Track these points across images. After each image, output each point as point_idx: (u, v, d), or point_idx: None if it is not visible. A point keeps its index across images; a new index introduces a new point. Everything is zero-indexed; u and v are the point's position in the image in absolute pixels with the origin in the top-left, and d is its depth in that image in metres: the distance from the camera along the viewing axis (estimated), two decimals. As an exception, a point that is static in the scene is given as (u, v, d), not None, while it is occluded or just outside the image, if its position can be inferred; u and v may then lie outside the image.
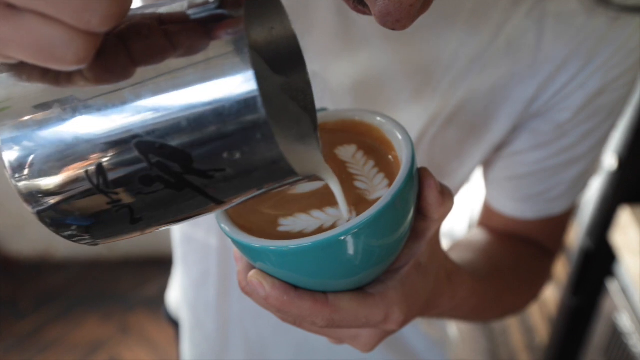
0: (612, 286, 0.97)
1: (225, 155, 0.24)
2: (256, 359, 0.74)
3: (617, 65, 0.48)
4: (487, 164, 0.58)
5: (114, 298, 1.98)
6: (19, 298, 1.98)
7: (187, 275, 0.72)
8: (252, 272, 0.33)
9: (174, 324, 0.88)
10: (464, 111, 0.51)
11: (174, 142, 0.24)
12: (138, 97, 0.24)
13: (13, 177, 0.25)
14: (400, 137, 0.34)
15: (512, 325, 1.60)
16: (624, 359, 0.95)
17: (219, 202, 0.27)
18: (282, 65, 0.33)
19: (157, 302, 1.96)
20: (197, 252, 0.69)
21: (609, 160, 0.91)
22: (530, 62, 0.48)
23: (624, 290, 0.94)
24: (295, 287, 0.33)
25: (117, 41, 0.25)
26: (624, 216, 0.89)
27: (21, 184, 0.25)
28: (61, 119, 0.25)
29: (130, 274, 2.06)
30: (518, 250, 0.60)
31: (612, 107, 0.51)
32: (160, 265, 2.09)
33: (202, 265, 0.69)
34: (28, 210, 0.27)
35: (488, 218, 0.62)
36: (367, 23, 0.47)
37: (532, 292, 0.63)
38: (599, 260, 1.00)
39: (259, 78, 0.23)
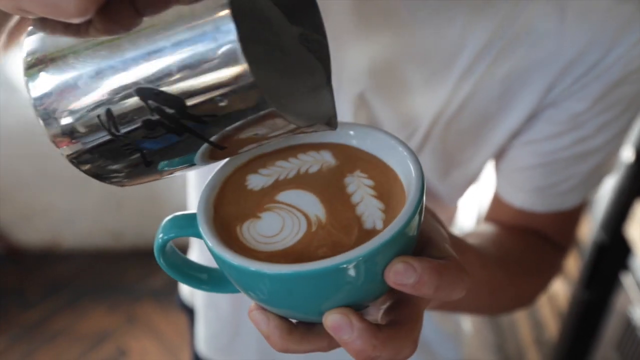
0: (627, 280, 0.97)
1: (213, 102, 0.26)
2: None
3: (639, 55, 0.47)
4: (500, 154, 0.57)
5: (120, 289, 1.98)
6: (26, 288, 1.98)
7: (203, 253, 0.72)
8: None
9: (187, 311, 0.88)
10: (478, 97, 0.50)
11: (169, 88, 0.26)
12: (136, 46, 0.26)
13: (41, 118, 0.28)
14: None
15: (520, 319, 1.60)
16: (638, 353, 0.95)
17: (221, 148, 0.29)
18: (298, 16, 0.33)
19: (164, 293, 1.98)
20: None
21: (626, 153, 0.90)
22: (550, 49, 0.47)
23: (639, 284, 0.93)
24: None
25: None
26: (640, 209, 0.89)
27: (47, 124, 0.29)
28: (74, 68, 0.27)
29: (137, 265, 2.05)
30: (527, 241, 0.59)
31: (631, 100, 0.50)
32: (166, 257, 2.09)
33: None
34: (58, 152, 0.30)
35: (497, 211, 0.61)
36: (385, 5, 0.47)
37: (541, 282, 0.62)
38: (613, 253, 0.99)
39: (250, 30, 0.26)
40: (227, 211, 0.33)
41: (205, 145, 0.29)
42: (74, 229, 2.08)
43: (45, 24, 0.28)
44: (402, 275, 0.28)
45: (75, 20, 0.25)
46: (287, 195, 0.33)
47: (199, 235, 0.32)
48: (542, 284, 0.62)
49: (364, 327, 0.29)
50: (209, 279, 0.37)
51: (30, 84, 0.28)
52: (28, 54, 0.28)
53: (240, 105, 0.26)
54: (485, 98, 0.50)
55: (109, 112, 0.28)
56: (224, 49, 0.25)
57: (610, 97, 0.49)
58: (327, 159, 0.35)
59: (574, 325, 1.15)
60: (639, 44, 0.46)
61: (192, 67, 0.26)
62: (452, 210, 0.70)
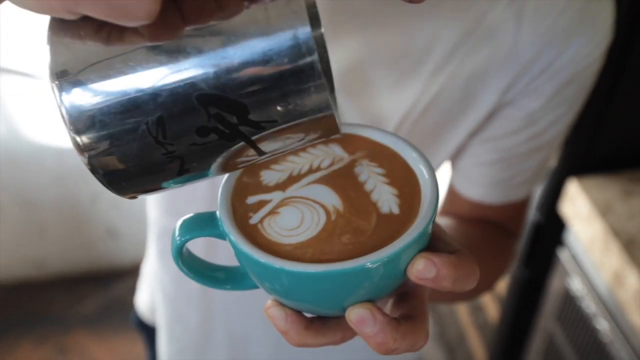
0: (563, 254, 1.04)
1: (279, 107, 0.26)
2: (238, 352, 0.73)
3: (586, 57, 0.51)
4: (458, 151, 0.60)
5: (48, 319, 1.86)
6: (-61, 329, 1.81)
7: (167, 269, 0.70)
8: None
9: (145, 329, 0.85)
10: (443, 98, 0.52)
11: (234, 94, 0.25)
12: (199, 51, 0.25)
13: (72, 129, 0.26)
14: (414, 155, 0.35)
15: (458, 305, 1.66)
16: (577, 320, 1.02)
17: (261, 153, 0.29)
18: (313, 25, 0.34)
19: (96, 319, 1.88)
20: None
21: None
22: (508, 52, 0.50)
23: (575, 257, 1.01)
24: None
25: None
26: (572, 188, 0.95)
27: (79, 136, 0.26)
28: (123, 74, 0.25)
29: (65, 293, 1.94)
30: (486, 230, 0.63)
31: (576, 97, 0.55)
32: (95, 281, 1.99)
33: None
34: (83, 161, 0.27)
35: (452, 205, 0.65)
36: (356, 7, 0.48)
37: (502, 267, 0.66)
38: (549, 231, 1.06)
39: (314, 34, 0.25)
40: (245, 208, 0.33)
41: (248, 151, 0.28)
42: (-10, 260, 1.93)
43: (76, 28, 0.26)
44: (423, 270, 0.30)
45: (139, 24, 0.24)
46: (303, 189, 0.34)
47: (219, 235, 0.32)
48: (503, 269, 0.66)
49: (387, 320, 0.30)
50: (227, 277, 0.37)
51: (64, 93, 0.25)
52: (58, 60, 0.26)
53: (304, 110, 0.26)
54: (448, 99, 0.53)
55: (160, 119, 0.26)
56: (300, 54, 0.24)
57: (561, 95, 0.54)
58: (336, 151, 0.36)
59: (515, 303, 1.22)
60: (585, 47, 0.51)
61: (263, 73, 0.25)
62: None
